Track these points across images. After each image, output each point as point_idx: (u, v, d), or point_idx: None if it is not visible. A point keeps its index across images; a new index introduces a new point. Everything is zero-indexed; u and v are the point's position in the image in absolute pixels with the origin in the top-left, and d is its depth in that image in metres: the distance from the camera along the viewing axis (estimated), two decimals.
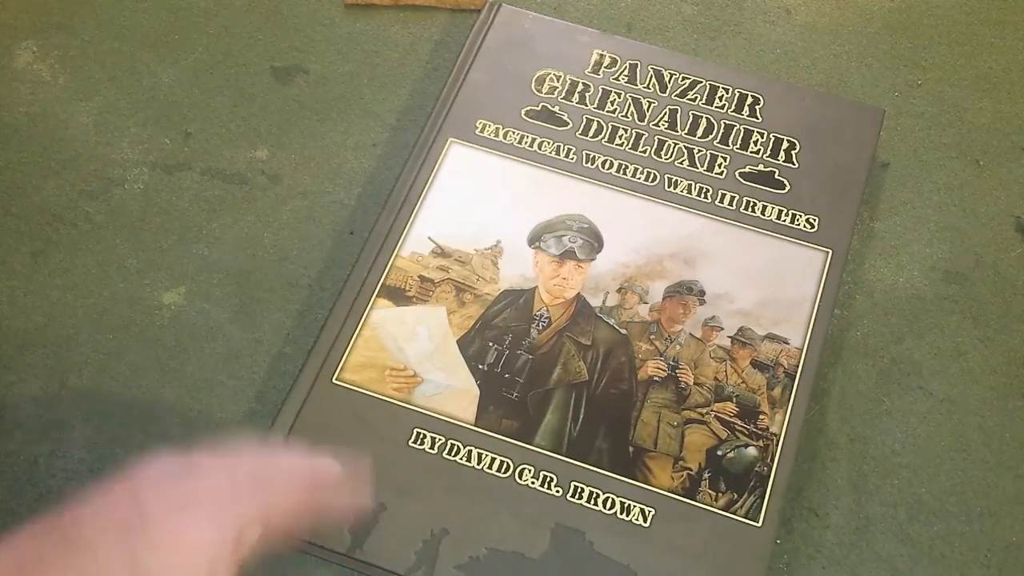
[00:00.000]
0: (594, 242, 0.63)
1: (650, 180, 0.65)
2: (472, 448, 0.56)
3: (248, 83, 0.72)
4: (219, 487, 0.37)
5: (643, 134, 0.67)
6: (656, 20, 0.76)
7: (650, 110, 0.68)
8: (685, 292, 0.61)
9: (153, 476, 0.37)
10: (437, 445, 0.56)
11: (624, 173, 0.65)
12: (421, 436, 0.56)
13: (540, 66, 0.70)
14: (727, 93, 0.69)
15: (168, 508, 0.35)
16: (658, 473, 0.56)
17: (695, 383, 0.59)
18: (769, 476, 0.56)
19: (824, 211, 0.64)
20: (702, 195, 0.65)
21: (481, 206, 0.64)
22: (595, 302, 0.61)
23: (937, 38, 0.75)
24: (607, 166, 0.66)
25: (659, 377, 0.59)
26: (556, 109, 0.68)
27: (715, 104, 0.68)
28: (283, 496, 0.39)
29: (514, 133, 0.67)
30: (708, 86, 0.69)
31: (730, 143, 0.67)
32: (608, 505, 0.55)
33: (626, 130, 0.67)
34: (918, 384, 0.62)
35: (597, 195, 0.65)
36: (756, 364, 0.59)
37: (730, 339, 0.60)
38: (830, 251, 0.63)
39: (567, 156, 0.66)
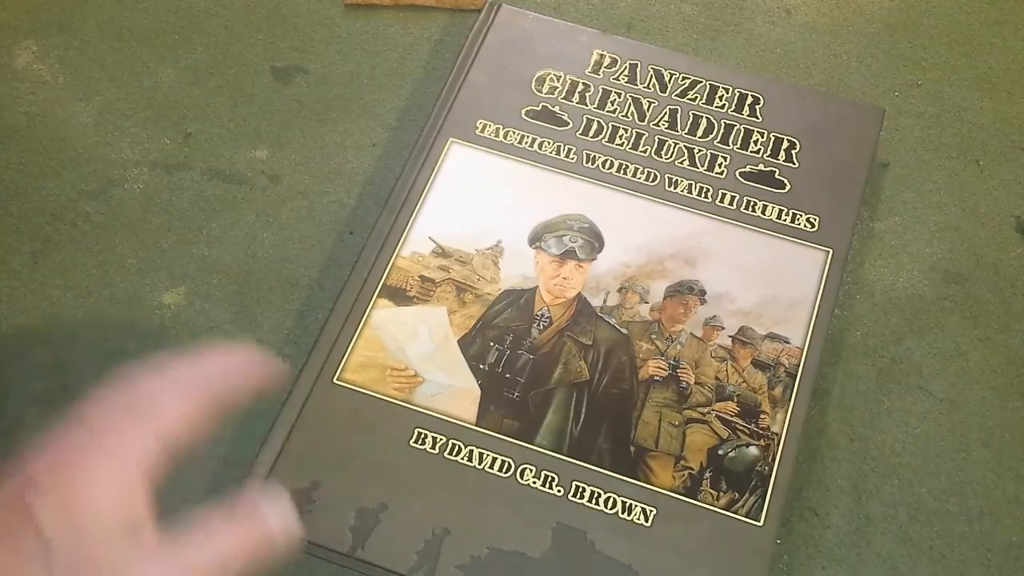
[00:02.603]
0: (595, 242, 0.63)
1: (650, 180, 0.65)
2: (473, 448, 0.56)
3: (248, 83, 0.72)
4: (107, 435, 0.36)
5: (643, 134, 0.67)
6: (656, 20, 0.76)
7: (650, 110, 0.68)
8: (686, 292, 0.61)
9: (41, 458, 0.36)
10: (438, 445, 0.56)
11: (624, 173, 0.66)
12: (422, 436, 0.56)
13: (540, 66, 0.70)
14: (727, 93, 0.69)
15: (61, 481, 0.35)
16: (659, 472, 0.56)
17: (696, 382, 0.59)
18: (770, 475, 0.56)
19: (824, 211, 0.64)
20: (702, 195, 0.65)
21: (481, 206, 0.64)
22: (596, 302, 0.61)
23: (937, 38, 0.75)
24: (607, 166, 0.66)
25: (660, 377, 0.59)
26: (556, 109, 0.68)
27: (715, 104, 0.68)
28: (175, 409, 0.38)
29: (514, 133, 0.67)
30: (708, 86, 0.69)
31: (730, 143, 0.67)
32: (609, 505, 0.55)
33: (626, 130, 0.67)
34: (918, 384, 0.62)
35: (597, 195, 0.65)
36: (757, 363, 0.59)
37: (731, 339, 0.60)
38: (830, 251, 0.63)
39: (567, 156, 0.66)
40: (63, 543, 0.34)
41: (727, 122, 0.68)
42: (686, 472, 0.56)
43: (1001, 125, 0.71)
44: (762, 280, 0.62)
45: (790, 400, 0.58)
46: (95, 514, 0.35)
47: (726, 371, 0.59)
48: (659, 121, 0.68)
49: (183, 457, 0.38)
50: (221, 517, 0.37)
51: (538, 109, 0.68)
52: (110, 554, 0.34)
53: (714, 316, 0.61)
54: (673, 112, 0.68)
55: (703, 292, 0.61)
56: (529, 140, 0.67)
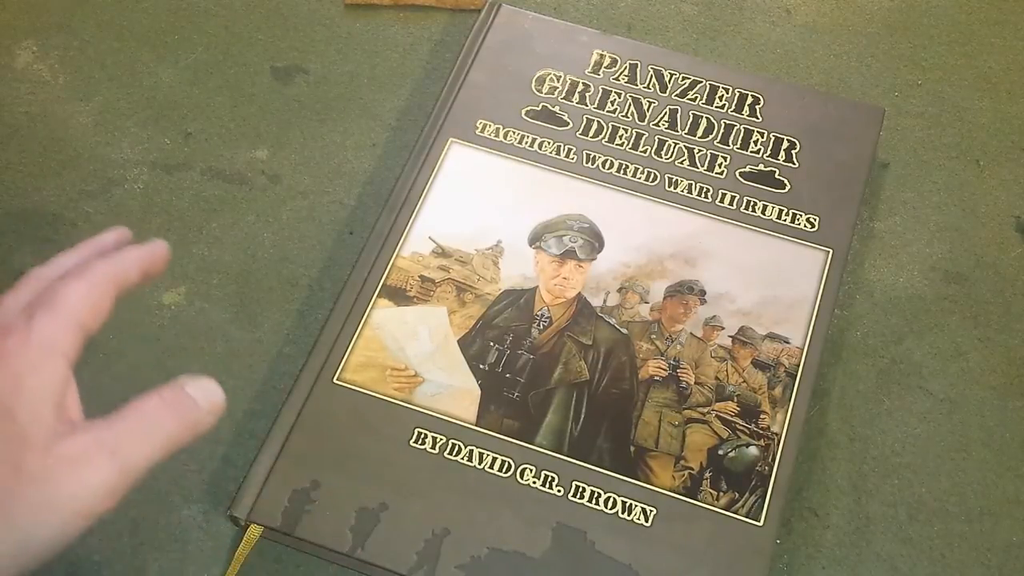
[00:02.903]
0: (595, 242, 0.63)
1: (650, 180, 0.65)
2: (473, 448, 0.56)
3: (248, 83, 0.72)
4: (23, 325, 0.38)
5: (643, 134, 0.67)
6: (656, 20, 0.76)
7: (650, 110, 0.68)
8: (686, 292, 0.61)
9: None
10: (438, 445, 0.56)
11: (624, 173, 0.66)
12: (422, 436, 0.56)
13: (540, 66, 0.70)
14: (727, 93, 0.69)
15: None
16: (659, 472, 0.56)
17: (696, 382, 0.59)
18: (770, 475, 0.56)
19: (824, 211, 0.64)
20: (702, 195, 0.65)
21: (481, 206, 0.64)
22: (596, 302, 0.61)
23: (937, 38, 0.75)
24: (607, 166, 0.66)
25: (660, 376, 0.59)
26: (556, 109, 0.68)
27: (715, 104, 0.68)
28: (83, 297, 0.40)
29: (514, 133, 0.67)
30: (708, 86, 0.69)
31: (730, 143, 0.67)
32: (609, 504, 0.55)
33: (626, 130, 0.67)
34: (918, 384, 0.62)
35: (597, 195, 0.65)
36: (757, 363, 0.59)
37: (731, 338, 0.60)
38: (830, 251, 0.63)
39: (567, 156, 0.66)
40: None
41: (727, 122, 0.68)
42: (686, 472, 0.56)
43: (1001, 125, 0.71)
44: (762, 280, 0.62)
45: (790, 400, 0.58)
46: (21, 398, 0.36)
47: (726, 371, 0.59)
48: (659, 121, 0.68)
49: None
50: (148, 395, 0.39)
51: (538, 109, 0.68)
52: (41, 433, 0.36)
53: (714, 316, 0.61)
54: (673, 112, 0.68)
55: (703, 292, 0.61)
56: (529, 140, 0.67)
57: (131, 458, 0.37)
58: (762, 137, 0.67)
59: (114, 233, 0.45)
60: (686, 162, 0.66)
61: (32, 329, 0.38)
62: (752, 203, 0.65)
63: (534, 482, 0.55)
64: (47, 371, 0.37)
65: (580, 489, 0.55)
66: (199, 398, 0.41)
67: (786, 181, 0.65)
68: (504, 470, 0.55)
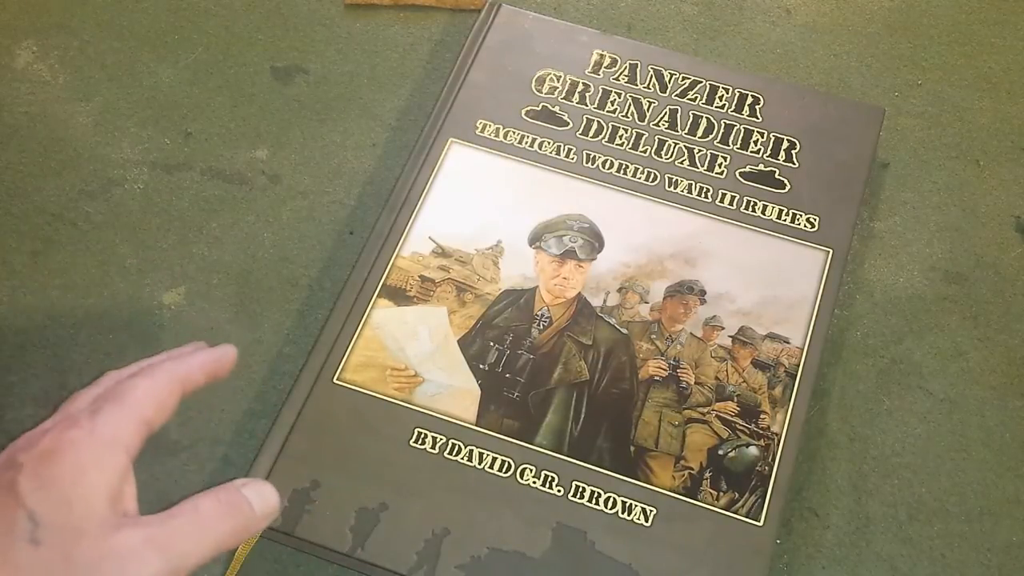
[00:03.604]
0: (595, 242, 0.63)
1: (650, 180, 0.65)
2: (473, 448, 0.56)
3: (248, 83, 0.72)
4: (87, 419, 0.39)
5: (643, 134, 0.67)
6: (656, 20, 0.76)
7: (650, 110, 0.68)
8: (686, 292, 0.61)
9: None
10: (438, 445, 0.56)
11: (624, 173, 0.66)
12: (422, 436, 0.56)
13: (540, 66, 0.70)
14: (727, 93, 0.69)
15: (46, 461, 0.37)
16: (659, 472, 0.56)
17: (696, 382, 0.59)
18: (770, 475, 0.56)
19: (824, 211, 0.64)
20: (702, 195, 0.65)
21: (481, 206, 0.64)
22: (596, 302, 0.61)
23: (937, 38, 0.75)
24: (607, 166, 0.66)
25: (660, 376, 0.59)
26: (556, 109, 0.68)
27: (715, 104, 0.68)
28: (149, 394, 0.41)
29: (514, 133, 0.67)
30: (708, 86, 0.69)
31: (730, 143, 0.67)
32: (609, 504, 0.55)
33: (626, 130, 0.67)
34: (918, 384, 0.62)
35: (597, 195, 0.65)
36: (757, 363, 0.59)
37: (731, 338, 0.60)
38: (830, 251, 0.63)
39: (567, 156, 0.66)
40: (49, 518, 0.35)
41: (727, 122, 0.68)
42: (686, 472, 0.56)
43: (1001, 125, 0.71)
44: (762, 280, 0.62)
45: (790, 400, 0.58)
46: (79, 489, 0.36)
47: (726, 371, 0.59)
48: (659, 121, 0.68)
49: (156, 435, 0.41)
50: (205, 494, 0.39)
51: (538, 109, 0.68)
52: (95, 525, 0.36)
53: (714, 316, 0.61)
54: (673, 112, 0.68)
55: (703, 292, 0.61)
56: (529, 140, 0.67)
57: (181, 557, 0.37)
58: (762, 137, 0.67)
59: (191, 346, 0.45)
60: (686, 162, 0.66)
61: (97, 422, 0.38)
62: (752, 203, 0.65)
63: (534, 482, 0.55)
64: (108, 464, 0.38)
65: (580, 489, 0.55)
66: (255, 502, 0.40)
67: (786, 181, 0.65)
68: (504, 470, 0.55)
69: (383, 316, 0.60)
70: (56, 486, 0.36)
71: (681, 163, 0.66)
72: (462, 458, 0.56)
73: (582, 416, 0.57)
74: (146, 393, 0.40)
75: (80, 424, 0.38)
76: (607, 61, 0.70)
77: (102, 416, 0.39)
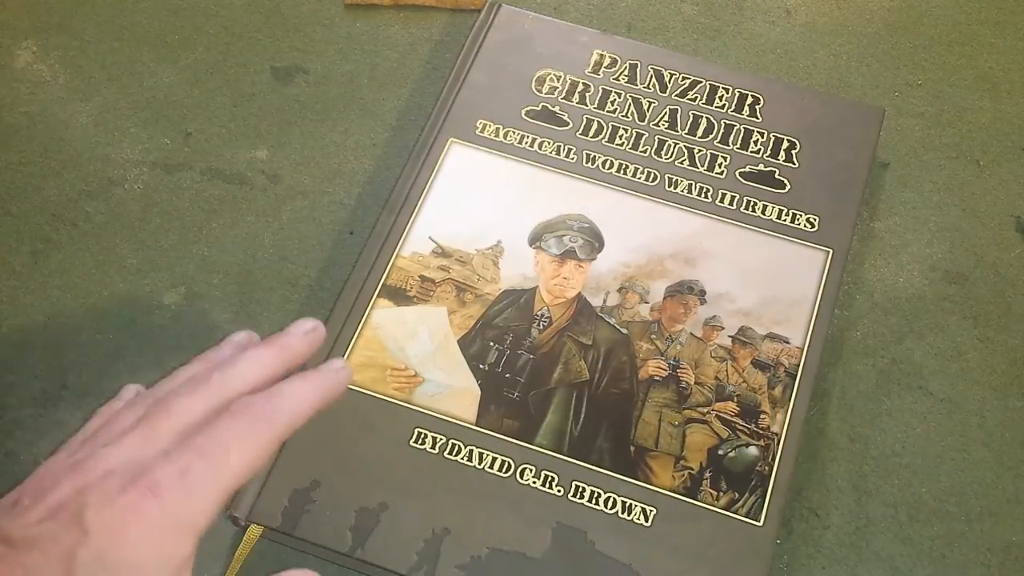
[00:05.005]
0: (595, 242, 0.63)
1: (650, 180, 0.65)
2: (473, 448, 0.56)
3: (248, 83, 0.72)
4: (168, 491, 0.35)
5: (643, 134, 0.67)
6: (656, 20, 0.76)
7: (650, 110, 0.68)
8: (686, 292, 0.61)
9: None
10: (438, 445, 0.56)
11: (624, 173, 0.66)
12: (422, 436, 0.56)
13: (540, 66, 0.70)
14: (727, 93, 0.69)
15: (112, 536, 0.34)
16: (659, 472, 0.56)
17: (696, 382, 0.59)
18: (770, 475, 0.56)
19: (824, 211, 0.64)
20: (702, 195, 0.65)
21: (481, 206, 0.64)
22: (596, 302, 0.61)
23: (937, 38, 0.75)
24: (607, 166, 0.66)
25: (660, 376, 0.59)
26: (556, 109, 0.68)
27: (715, 104, 0.68)
28: (241, 459, 0.37)
29: (514, 133, 0.67)
30: (708, 86, 0.69)
31: (730, 143, 0.67)
32: (609, 504, 0.55)
33: (626, 130, 0.67)
34: (918, 384, 0.62)
35: (597, 195, 0.65)
36: (757, 363, 0.59)
37: (731, 338, 0.60)
38: (830, 251, 0.63)
39: (567, 156, 0.66)
40: None
41: (727, 122, 0.68)
42: (686, 472, 0.56)
43: (1001, 125, 0.71)
44: (762, 280, 0.62)
45: (790, 400, 0.58)
46: (140, 568, 0.34)
47: (726, 371, 0.59)
48: (659, 121, 0.68)
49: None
50: None
51: (538, 109, 0.68)
52: None
53: (714, 316, 0.61)
54: (673, 112, 0.68)
55: (703, 292, 0.61)
56: (529, 140, 0.67)
57: None
58: (762, 137, 0.67)
59: (244, 335, 0.41)
60: (686, 162, 0.66)
61: (179, 497, 0.34)
62: (752, 203, 0.65)
63: (534, 482, 0.55)
64: (171, 556, 0.34)
65: (580, 489, 0.55)
66: None
67: (786, 181, 0.65)
68: (504, 470, 0.55)
69: (383, 316, 0.60)
70: (112, 571, 0.33)
71: (681, 163, 0.66)
72: (462, 458, 0.56)
73: (582, 416, 0.57)
74: (249, 453, 0.36)
75: (161, 493, 0.34)
76: (607, 61, 0.70)
77: (187, 485, 0.34)
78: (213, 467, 0.35)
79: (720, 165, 0.66)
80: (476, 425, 0.57)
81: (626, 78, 0.69)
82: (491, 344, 0.59)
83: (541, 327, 0.60)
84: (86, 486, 0.34)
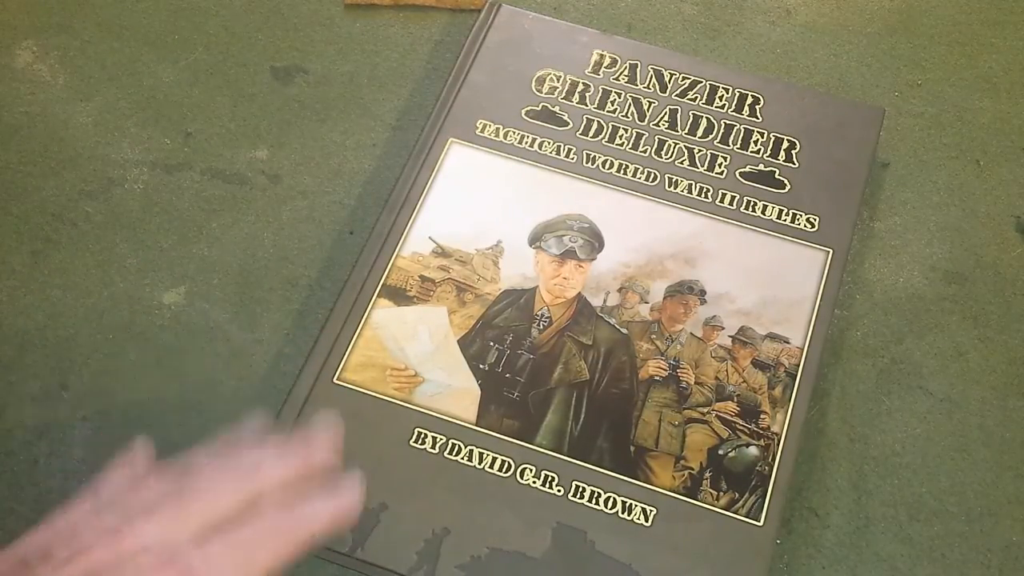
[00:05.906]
0: (595, 242, 0.63)
1: (650, 180, 0.65)
2: (473, 448, 0.56)
3: (248, 83, 0.72)
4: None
5: (643, 134, 0.67)
6: (656, 20, 0.76)
7: (650, 110, 0.68)
8: (686, 292, 0.61)
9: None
10: (438, 445, 0.56)
11: (624, 173, 0.66)
12: (422, 436, 0.56)
13: (540, 66, 0.70)
14: (727, 93, 0.69)
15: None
16: (659, 472, 0.56)
17: (696, 382, 0.59)
18: (770, 475, 0.56)
19: (824, 211, 0.64)
20: (702, 195, 0.65)
21: (482, 206, 0.64)
22: (596, 302, 0.61)
23: (937, 38, 0.75)
24: (607, 166, 0.66)
25: (660, 376, 0.59)
26: (556, 109, 0.68)
27: (715, 104, 0.68)
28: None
29: (514, 133, 0.67)
30: (708, 86, 0.69)
31: (730, 143, 0.67)
32: (610, 504, 0.55)
33: (626, 130, 0.67)
34: (918, 384, 0.62)
35: (597, 195, 0.65)
36: (757, 363, 0.59)
37: (731, 338, 0.60)
38: (830, 251, 0.63)
39: (567, 156, 0.66)
40: None
41: (727, 122, 0.68)
42: (686, 472, 0.56)
43: (1001, 125, 0.71)
44: (762, 280, 0.62)
45: (790, 400, 0.58)
46: None
47: (726, 371, 0.59)
48: (659, 121, 0.68)
49: None
50: None
51: (538, 109, 0.68)
52: None
53: (714, 316, 0.61)
54: (673, 112, 0.68)
55: (703, 292, 0.61)
56: (529, 140, 0.67)
57: None
58: (762, 137, 0.67)
59: (261, 420, 0.43)
60: (686, 162, 0.66)
61: None
62: (752, 203, 0.65)
63: (534, 482, 0.55)
64: None
65: (580, 489, 0.55)
66: None
67: (786, 181, 0.65)
68: (504, 470, 0.55)
69: (383, 316, 0.60)
70: None
71: (681, 163, 0.66)
72: (462, 458, 0.56)
73: (582, 416, 0.57)
74: (272, 561, 0.38)
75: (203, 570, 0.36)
76: (607, 61, 0.70)
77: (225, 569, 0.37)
78: (242, 565, 0.38)
79: (720, 165, 0.66)
80: (476, 425, 0.57)
81: (626, 78, 0.69)
82: (491, 344, 0.59)
83: (541, 327, 0.60)
84: (121, 557, 0.36)
